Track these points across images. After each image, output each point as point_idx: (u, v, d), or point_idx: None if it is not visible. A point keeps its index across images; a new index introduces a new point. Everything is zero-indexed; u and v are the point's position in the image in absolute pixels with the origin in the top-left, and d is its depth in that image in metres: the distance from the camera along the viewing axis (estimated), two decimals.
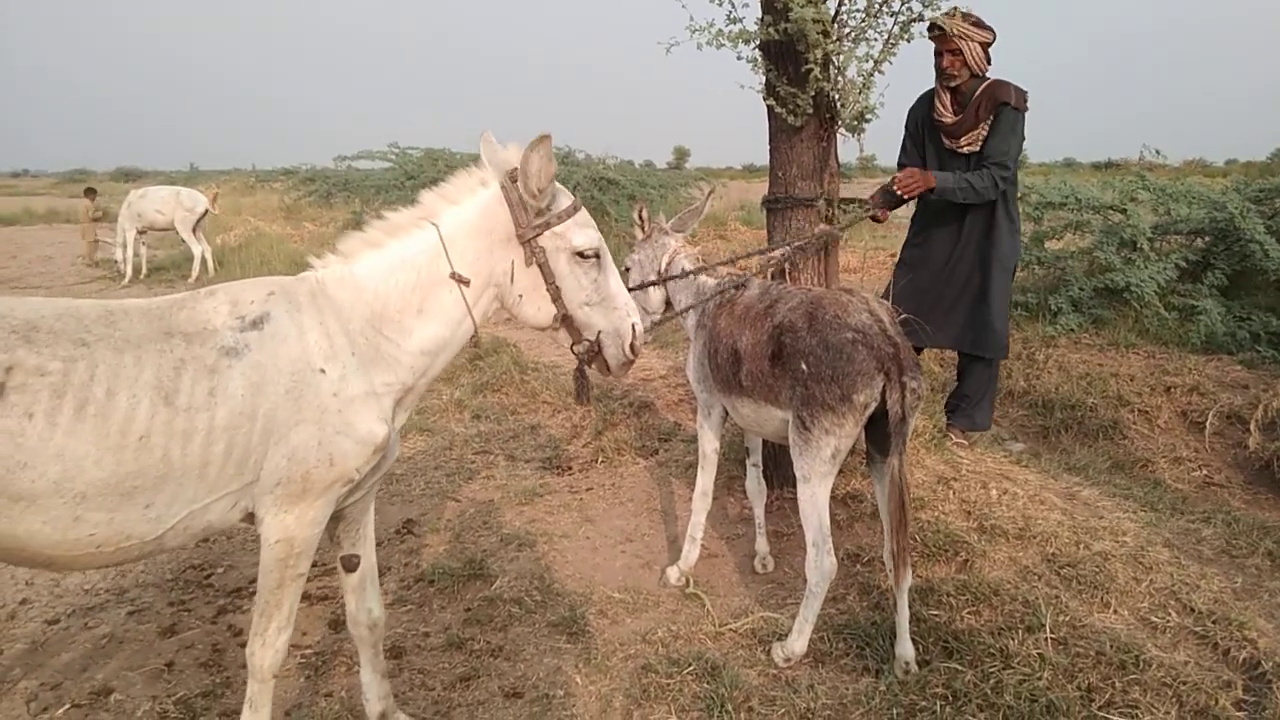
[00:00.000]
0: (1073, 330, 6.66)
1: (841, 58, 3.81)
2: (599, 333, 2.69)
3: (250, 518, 2.41)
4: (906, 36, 3.98)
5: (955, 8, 4.34)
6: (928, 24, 4.27)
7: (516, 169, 2.52)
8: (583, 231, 2.62)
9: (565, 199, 2.62)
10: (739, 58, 3.98)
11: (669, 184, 23.76)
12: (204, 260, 13.99)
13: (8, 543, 2.06)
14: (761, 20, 3.90)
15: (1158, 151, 9.33)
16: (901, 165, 4.84)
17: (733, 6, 3.92)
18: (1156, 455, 5.25)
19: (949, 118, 4.62)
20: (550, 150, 2.48)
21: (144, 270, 14.55)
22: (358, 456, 2.42)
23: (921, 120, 4.78)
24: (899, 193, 4.28)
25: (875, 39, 3.98)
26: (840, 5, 3.93)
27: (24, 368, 2.00)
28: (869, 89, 3.97)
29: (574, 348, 2.74)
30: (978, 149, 4.54)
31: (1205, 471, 5.10)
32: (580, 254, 2.61)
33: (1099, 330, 6.76)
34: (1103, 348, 6.53)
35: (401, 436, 5.84)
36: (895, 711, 2.92)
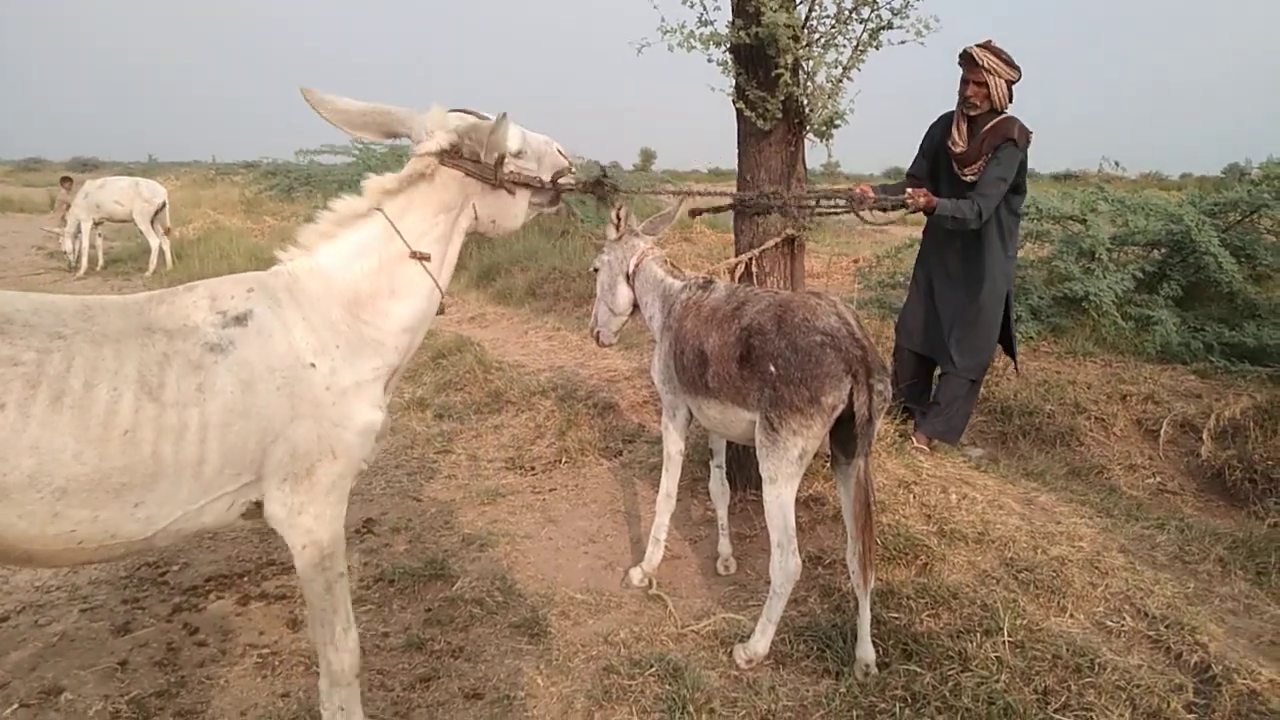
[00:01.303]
0: (1031, 338, 6.75)
1: (811, 63, 3.83)
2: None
3: (249, 514, 2.39)
4: (875, 44, 4.00)
5: (989, 39, 4.48)
6: (959, 51, 4.56)
7: (458, 143, 2.58)
8: (509, 133, 2.69)
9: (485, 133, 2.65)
10: (709, 60, 4.00)
11: (637, 185, 23.76)
12: (161, 253, 13.76)
13: None
14: (732, 24, 3.91)
15: (1117, 163, 9.51)
16: (910, 175, 5.05)
17: (704, 9, 3.94)
18: (1112, 462, 5.33)
19: (961, 146, 4.76)
20: (509, 127, 2.62)
21: (100, 262, 14.29)
22: (360, 447, 2.43)
23: (937, 142, 4.92)
24: (908, 202, 4.35)
25: (845, 45, 4.01)
26: (811, 11, 3.95)
27: None
28: (838, 95, 3.99)
29: (557, 198, 2.92)
30: (978, 179, 4.66)
31: (1159, 478, 5.19)
32: (518, 152, 2.74)
33: (1057, 338, 6.85)
34: (1061, 355, 6.63)
35: None
36: (855, 713, 2.95)
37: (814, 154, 4.37)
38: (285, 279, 2.43)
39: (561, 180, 2.88)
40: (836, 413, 3.13)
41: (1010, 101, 4.67)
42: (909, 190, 4.41)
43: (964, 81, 4.67)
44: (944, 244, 4.93)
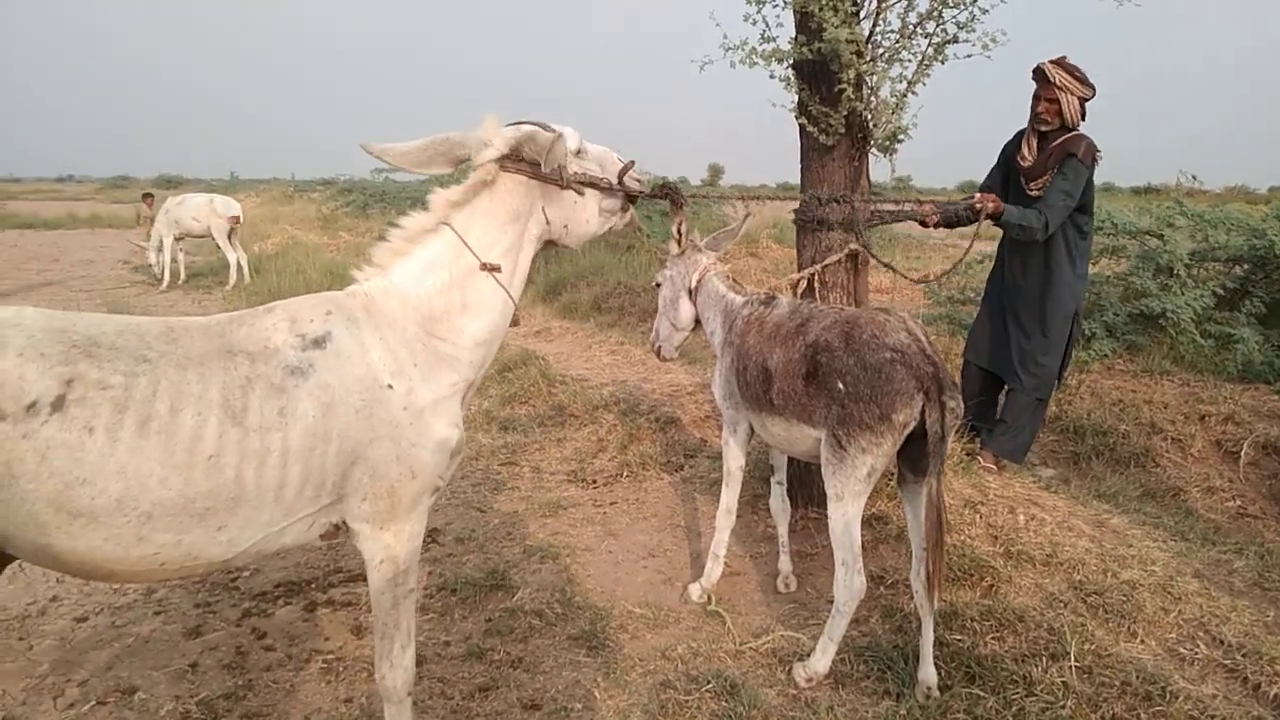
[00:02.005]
0: (1106, 356, 6.58)
1: (875, 78, 3.81)
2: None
3: (328, 534, 2.41)
4: (940, 58, 3.97)
5: (1064, 56, 4.45)
6: (1033, 67, 4.53)
7: (517, 148, 2.58)
8: (568, 132, 2.70)
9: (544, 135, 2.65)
10: (771, 76, 4.01)
11: (702, 201, 23.84)
12: (240, 267, 14.19)
13: (68, 557, 2.01)
14: (795, 40, 3.91)
15: (1194, 177, 9.25)
16: (984, 187, 5.01)
17: (766, 26, 3.95)
18: (1189, 484, 5.17)
19: (1029, 160, 4.74)
20: (565, 143, 2.62)
21: (182, 276, 14.79)
22: (437, 465, 2.44)
23: (1009, 156, 4.90)
24: (976, 206, 4.34)
25: (909, 60, 3.98)
26: (875, 26, 3.93)
27: (85, 381, 1.94)
28: (902, 110, 3.97)
29: (625, 204, 2.92)
30: (1043, 194, 4.63)
31: (1239, 502, 5.02)
32: (577, 151, 2.74)
33: (1133, 357, 6.67)
34: (1136, 374, 6.45)
35: None
36: None
37: (878, 168, 4.34)
38: (362, 299, 2.44)
39: (628, 179, 2.86)
40: (907, 430, 3.10)
41: (1083, 119, 4.61)
42: (978, 195, 4.40)
43: (1036, 97, 4.63)
44: (1014, 261, 4.88)
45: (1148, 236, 7.38)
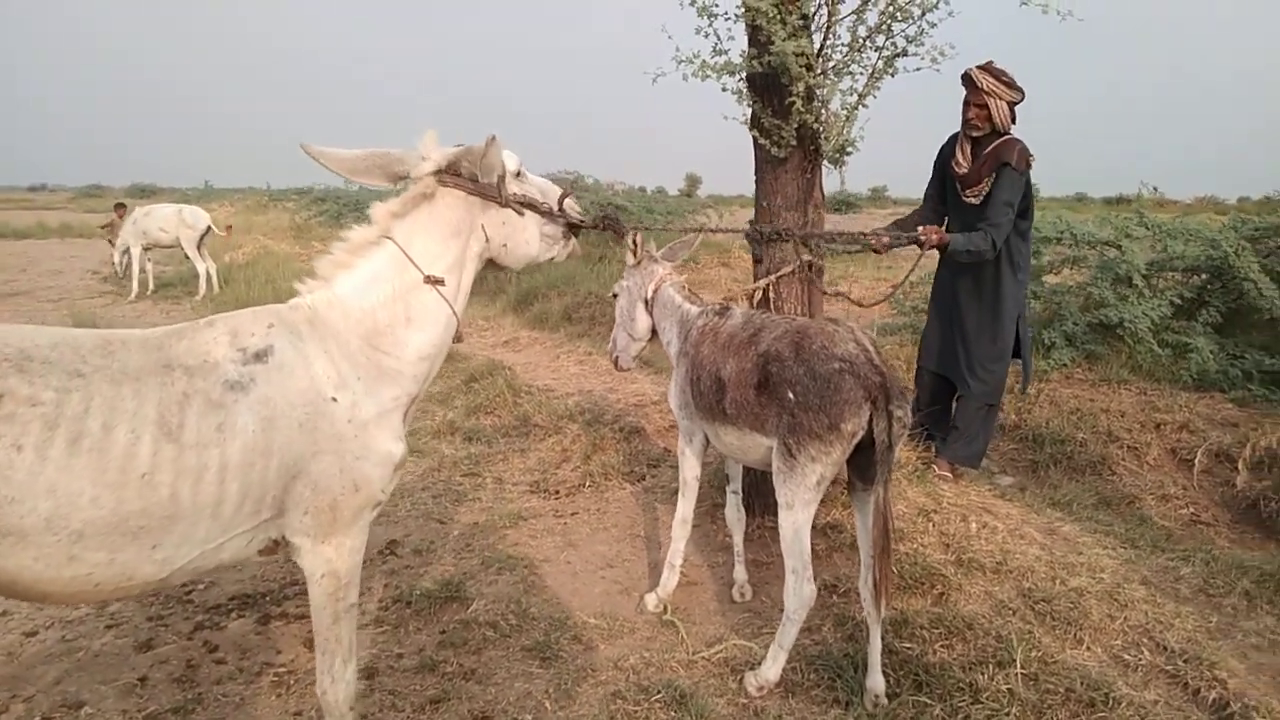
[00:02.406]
0: (1065, 365, 6.66)
1: (825, 91, 3.84)
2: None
3: (267, 550, 2.39)
4: (890, 71, 4.01)
5: (990, 61, 4.50)
6: (961, 72, 4.57)
7: (453, 163, 2.60)
8: (508, 154, 2.73)
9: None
10: (724, 89, 4.03)
11: (677, 210, 23.93)
12: (209, 277, 14.09)
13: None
14: (745, 53, 3.94)
15: (1155, 188, 9.37)
16: (926, 196, 5.12)
17: (718, 39, 3.97)
18: (1144, 492, 5.23)
19: (964, 167, 4.79)
20: (498, 149, 2.61)
21: (151, 286, 14.67)
22: (381, 479, 2.43)
23: (944, 163, 4.96)
24: (921, 239, 4.39)
25: (859, 73, 4.02)
26: (825, 39, 3.97)
27: (15, 396, 1.90)
28: (852, 122, 4.00)
29: (567, 234, 2.98)
30: (979, 202, 4.69)
31: (1193, 509, 5.08)
32: (517, 173, 2.77)
33: (1092, 366, 6.74)
34: (1095, 383, 6.52)
35: None
36: None
37: (831, 180, 4.38)
38: (305, 312, 2.42)
39: (568, 204, 2.90)
40: (856, 439, 3.12)
41: (1014, 122, 4.68)
42: (921, 229, 4.44)
43: (965, 104, 4.69)
44: (956, 268, 4.92)
45: (1107, 247, 7.47)
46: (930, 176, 5.09)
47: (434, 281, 2.58)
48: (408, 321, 2.55)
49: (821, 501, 4.22)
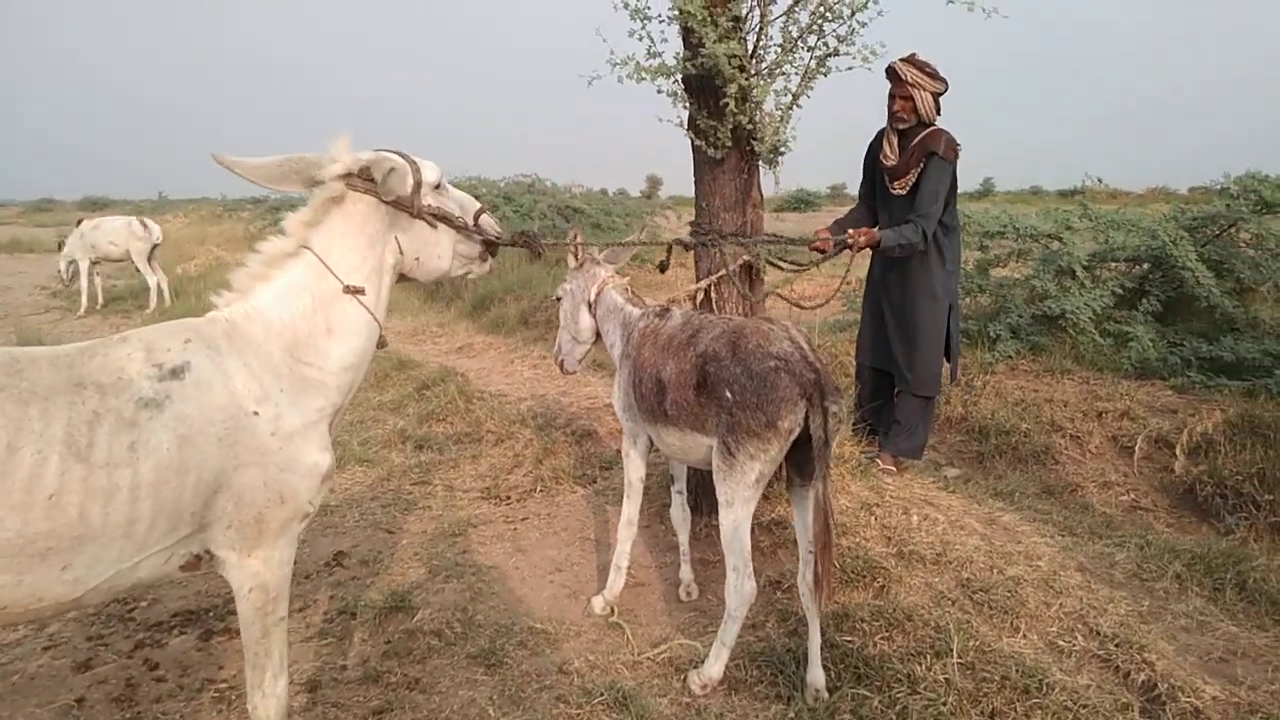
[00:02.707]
0: (1010, 357, 6.76)
1: (758, 91, 3.87)
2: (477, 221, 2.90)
3: (189, 565, 2.36)
4: (823, 71, 4.05)
5: (913, 53, 4.57)
6: (886, 66, 4.61)
7: (365, 168, 2.56)
8: (424, 166, 2.71)
9: (396, 160, 2.65)
10: (659, 91, 4.05)
11: (635, 212, 23.96)
12: (160, 290, 13.90)
13: None
14: (679, 55, 3.97)
15: (1100, 180, 9.53)
16: (860, 196, 5.19)
17: (651, 41, 3.99)
18: (1086, 480, 5.33)
19: (892, 160, 4.84)
20: (391, 162, 2.59)
21: (100, 300, 14.44)
22: (308, 490, 2.41)
23: (873, 157, 5.01)
24: (849, 243, 4.49)
25: (793, 73, 4.06)
26: (758, 40, 4.01)
27: None
28: (786, 122, 4.04)
29: (484, 253, 2.98)
30: (906, 193, 4.76)
31: (1133, 495, 5.18)
32: (436, 185, 2.75)
33: (1036, 357, 6.86)
34: (1039, 374, 6.63)
35: (339, 467, 5.81)
36: None
37: (768, 180, 4.41)
38: (223, 326, 2.39)
39: (483, 221, 2.89)
40: (793, 436, 3.15)
41: (939, 114, 4.76)
42: (850, 232, 4.53)
43: (890, 96, 4.75)
44: (886, 263, 4.99)
45: (1049, 239, 7.59)
46: (861, 176, 5.16)
47: (354, 291, 2.56)
48: (329, 332, 2.53)
49: (766, 498, 4.28)
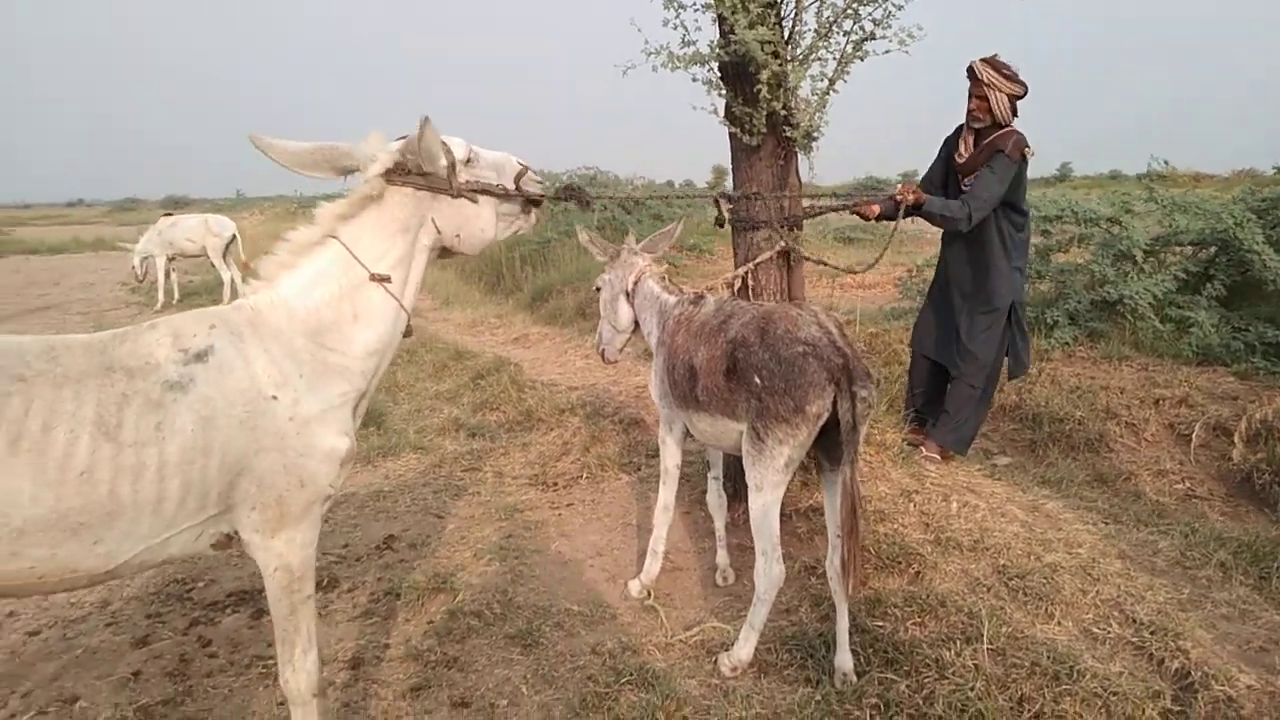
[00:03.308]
0: (1068, 344, 6.62)
1: (792, 77, 3.87)
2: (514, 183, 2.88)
3: (220, 544, 2.45)
4: (860, 55, 4.04)
5: (995, 54, 4.60)
6: (966, 65, 4.68)
7: (401, 161, 2.61)
8: (453, 144, 2.72)
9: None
10: (694, 80, 4.07)
11: (697, 203, 23.95)
12: (233, 285, 14.33)
13: None
14: (713, 43, 3.99)
15: (1166, 162, 9.27)
16: (926, 179, 5.19)
17: (685, 30, 4.01)
18: (1140, 468, 5.21)
19: (964, 157, 4.88)
20: (434, 130, 2.58)
21: (176, 295, 14.96)
22: (327, 474, 2.47)
23: (949, 151, 5.03)
24: (897, 199, 4.52)
25: (829, 58, 4.05)
26: (793, 26, 4.00)
27: None
28: (824, 108, 4.03)
29: (527, 207, 2.96)
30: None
31: (1188, 484, 5.05)
32: (466, 160, 2.75)
33: (1094, 343, 6.71)
34: (1096, 361, 6.49)
35: (394, 454, 5.96)
36: None
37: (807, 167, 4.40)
38: (247, 313, 2.46)
39: (524, 182, 2.89)
40: (821, 421, 3.16)
41: (1015, 116, 4.74)
42: (900, 186, 4.55)
43: (969, 95, 4.75)
44: (953, 254, 5.01)
45: (1109, 224, 7.41)
46: (934, 161, 5.16)
47: (380, 279, 2.61)
48: (354, 319, 2.58)
49: (805, 485, 4.29)
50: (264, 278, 2.58)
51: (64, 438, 2.06)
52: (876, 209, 4.60)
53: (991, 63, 4.62)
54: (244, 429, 2.31)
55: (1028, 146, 4.65)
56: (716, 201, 4.27)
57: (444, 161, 2.67)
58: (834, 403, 3.12)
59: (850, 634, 3.23)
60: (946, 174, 5.03)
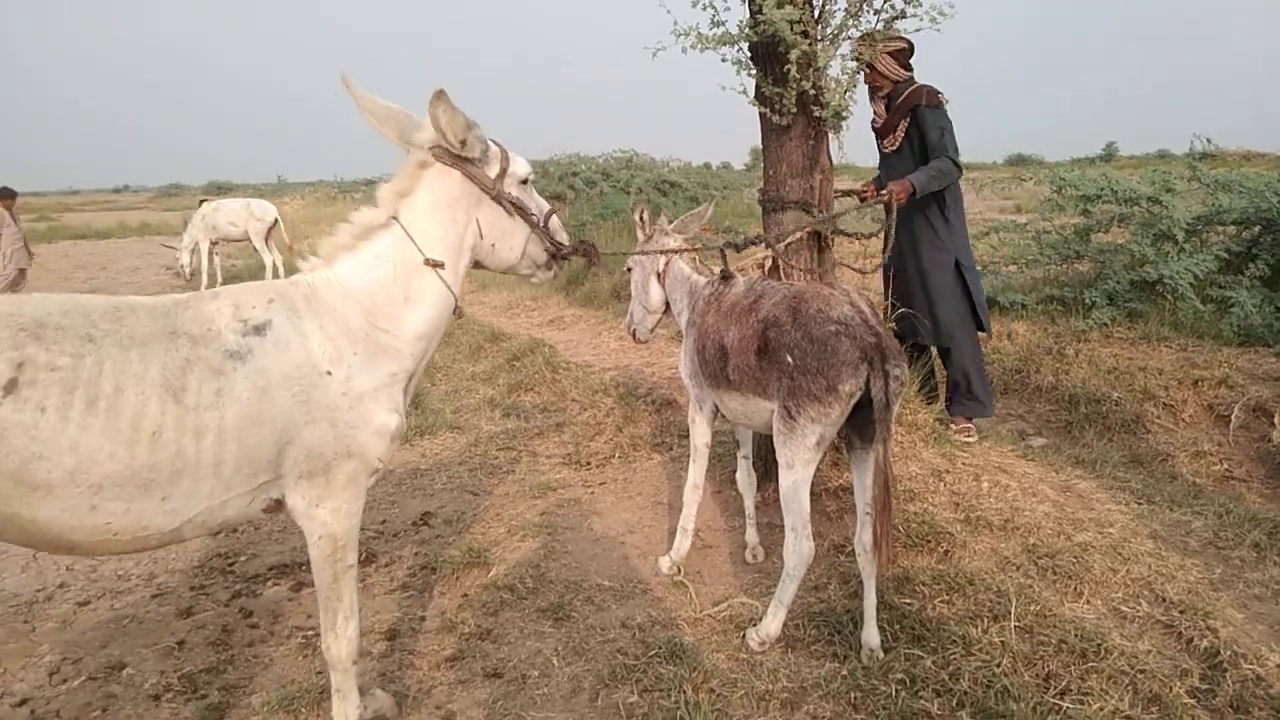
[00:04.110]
0: (1105, 324, 6.55)
1: (821, 57, 3.87)
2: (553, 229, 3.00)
3: (270, 509, 2.54)
4: (891, 34, 4.02)
5: (873, 30, 4.49)
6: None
7: (467, 138, 2.68)
8: (519, 159, 2.85)
9: (491, 141, 2.80)
10: (724, 60, 4.08)
11: (734, 184, 23.89)
12: (275, 269, 14.55)
13: (31, 528, 2.14)
14: (742, 23, 3.99)
15: (1209, 140, 9.09)
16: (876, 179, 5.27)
17: (715, 10, 4.01)
18: (1177, 449, 5.16)
19: (880, 119, 5.03)
20: (449, 102, 2.60)
21: (219, 279, 15.20)
22: (375, 447, 2.57)
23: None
24: (888, 200, 4.49)
25: (860, 37, 4.03)
26: (823, 4, 4.00)
27: (34, 363, 2.06)
28: (854, 87, 4.02)
29: (555, 255, 3.06)
30: (897, 148, 4.95)
31: (1226, 465, 5.00)
32: (523, 180, 2.89)
33: (1133, 324, 6.63)
34: (1134, 341, 6.41)
35: (431, 433, 6.06)
36: (853, 696, 2.98)
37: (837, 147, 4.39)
38: (304, 289, 2.55)
39: (553, 221, 2.99)
40: (854, 399, 3.17)
41: (910, 70, 4.89)
42: (887, 189, 4.55)
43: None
44: (902, 226, 4.91)
45: (1149, 203, 7.30)
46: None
47: (434, 264, 2.70)
48: (406, 300, 2.67)
49: (835, 465, 4.30)
50: (323, 256, 2.68)
51: (135, 399, 2.16)
52: (875, 191, 4.78)
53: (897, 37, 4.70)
54: (297, 401, 2.40)
55: (940, 93, 4.79)
56: (722, 253, 4.24)
57: (498, 166, 2.79)
58: (866, 381, 3.13)
59: (878, 610, 3.25)
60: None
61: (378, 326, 2.62)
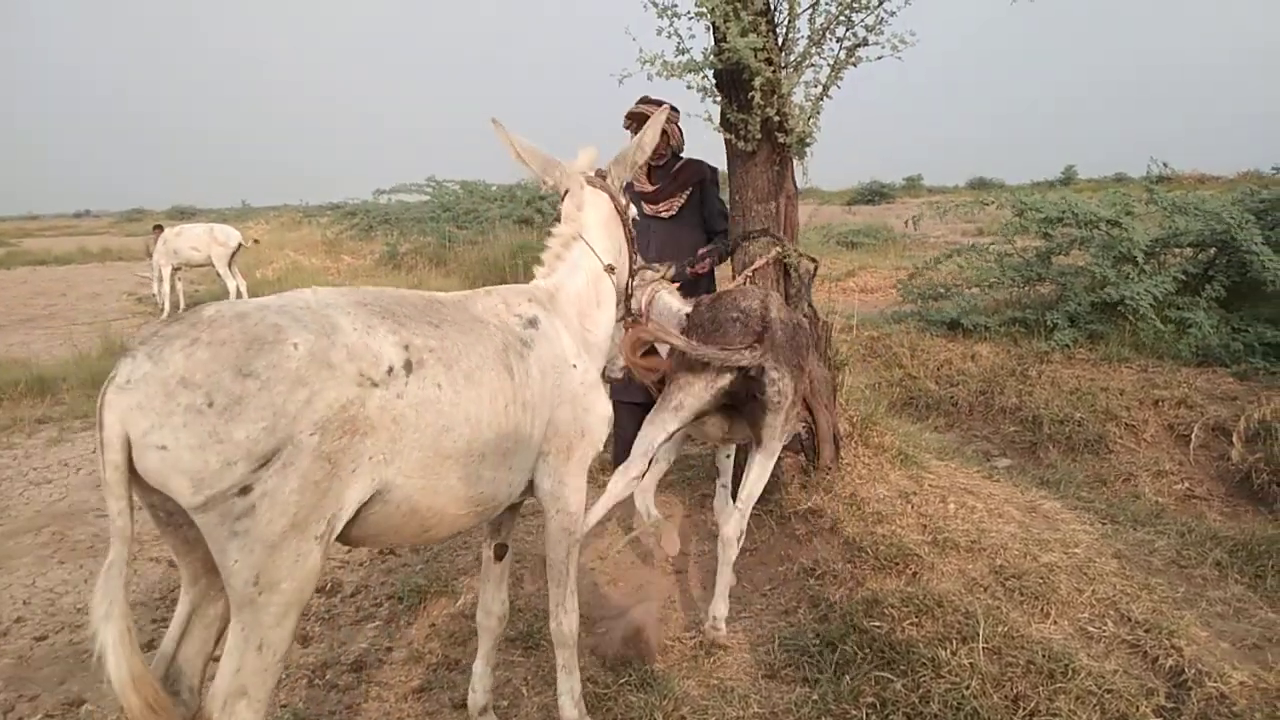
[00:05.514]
0: (1067, 345, 6.65)
1: (784, 84, 3.91)
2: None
3: (526, 490, 2.72)
4: (853, 61, 4.07)
5: (644, 95, 4.63)
6: (625, 114, 4.63)
7: (603, 169, 3.11)
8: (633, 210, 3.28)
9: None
10: (689, 88, 4.10)
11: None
12: (239, 294, 14.40)
13: (429, 500, 2.24)
14: (707, 50, 4.02)
15: (1165, 164, 9.28)
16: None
17: (680, 38, 4.04)
18: (1139, 469, 5.23)
19: (649, 187, 4.92)
20: (501, 129, 2.99)
21: (182, 305, 15.01)
22: (600, 430, 2.80)
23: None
24: (699, 270, 4.67)
25: (822, 65, 4.08)
26: (787, 33, 4.04)
27: (414, 345, 2.19)
28: (818, 114, 4.07)
29: (630, 305, 3.34)
30: (676, 214, 4.87)
31: (1187, 484, 5.08)
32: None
33: (1094, 345, 6.73)
34: (1096, 362, 6.51)
35: None
36: None
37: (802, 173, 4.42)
38: (545, 294, 2.82)
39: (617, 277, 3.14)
40: (720, 384, 3.40)
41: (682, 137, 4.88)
42: (694, 268, 4.64)
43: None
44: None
45: (1109, 225, 7.43)
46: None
47: (610, 269, 3.02)
48: (598, 303, 2.98)
49: (803, 488, 4.33)
50: (546, 265, 2.97)
51: (489, 374, 2.35)
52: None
53: (648, 101, 4.58)
54: (554, 386, 2.64)
55: (717, 169, 4.89)
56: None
57: (625, 197, 3.19)
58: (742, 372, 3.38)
59: (846, 634, 3.26)
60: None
61: (585, 327, 2.91)
